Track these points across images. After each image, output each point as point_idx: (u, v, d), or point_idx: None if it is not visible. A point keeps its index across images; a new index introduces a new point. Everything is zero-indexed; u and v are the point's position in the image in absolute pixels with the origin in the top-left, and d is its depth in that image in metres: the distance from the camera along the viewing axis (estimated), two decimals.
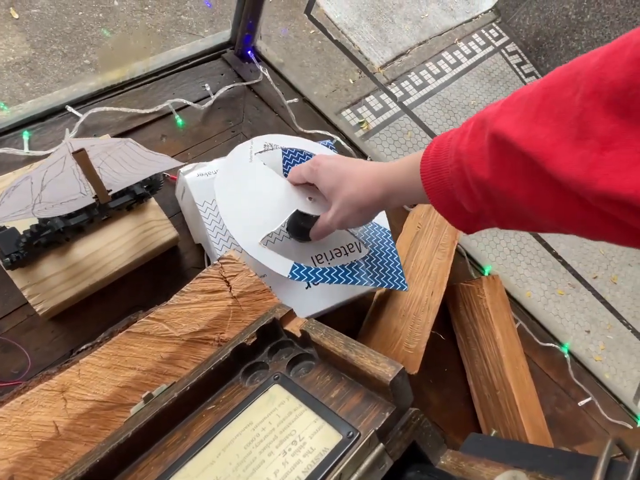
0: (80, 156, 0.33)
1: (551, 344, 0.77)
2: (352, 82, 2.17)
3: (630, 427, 0.77)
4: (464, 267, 0.76)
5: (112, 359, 0.30)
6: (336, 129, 0.78)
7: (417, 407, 0.70)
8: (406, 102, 2.30)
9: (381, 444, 0.23)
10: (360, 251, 0.52)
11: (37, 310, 0.46)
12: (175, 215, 0.57)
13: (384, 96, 2.20)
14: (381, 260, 0.52)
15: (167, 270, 0.55)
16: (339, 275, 0.47)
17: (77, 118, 0.58)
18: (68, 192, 0.38)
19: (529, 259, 2.15)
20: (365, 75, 2.17)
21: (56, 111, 0.59)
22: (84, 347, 0.31)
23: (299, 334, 0.30)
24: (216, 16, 1.97)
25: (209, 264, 0.54)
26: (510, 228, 0.34)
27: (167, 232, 0.54)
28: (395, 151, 2.10)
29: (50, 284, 0.47)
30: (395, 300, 0.60)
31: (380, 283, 0.50)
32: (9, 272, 0.45)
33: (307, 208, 0.48)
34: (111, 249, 0.50)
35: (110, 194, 0.40)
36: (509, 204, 0.30)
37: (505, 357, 0.62)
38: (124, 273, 0.52)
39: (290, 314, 0.32)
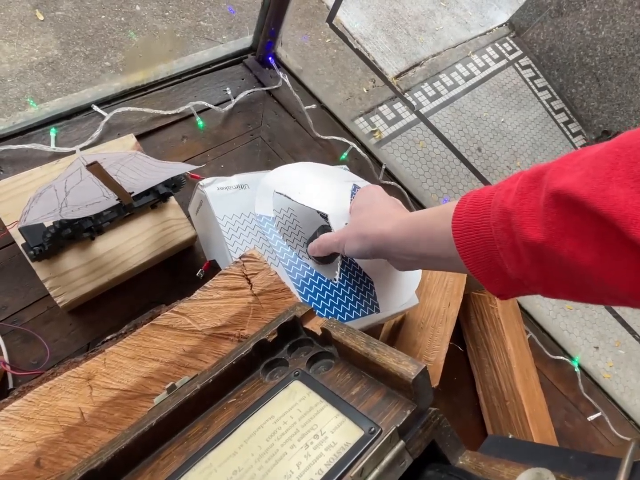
0: (94, 168, 0.35)
1: (561, 357, 0.76)
2: (365, 91, 2.18)
3: None
4: None
5: (137, 349, 0.31)
6: (353, 136, 0.79)
7: None
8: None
9: (402, 441, 0.23)
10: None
11: (57, 302, 0.47)
12: None
13: (397, 105, 2.22)
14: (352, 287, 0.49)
15: (182, 268, 0.56)
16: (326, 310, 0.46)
17: (102, 117, 0.59)
18: (92, 196, 0.40)
19: None
20: (383, 83, 2.19)
21: (82, 110, 0.60)
22: (108, 337, 0.32)
23: (319, 332, 0.30)
24: (234, 23, 2.00)
25: None
26: (559, 297, 0.30)
27: (185, 231, 0.55)
28: (407, 160, 2.11)
29: (71, 277, 0.48)
30: (413, 313, 0.60)
31: (354, 314, 0.48)
32: (32, 264, 0.46)
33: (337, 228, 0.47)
34: (131, 245, 0.51)
35: (132, 195, 0.41)
36: (565, 270, 0.26)
37: (515, 368, 0.62)
38: (142, 270, 0.53)
39: (310, 313, 0.33)
